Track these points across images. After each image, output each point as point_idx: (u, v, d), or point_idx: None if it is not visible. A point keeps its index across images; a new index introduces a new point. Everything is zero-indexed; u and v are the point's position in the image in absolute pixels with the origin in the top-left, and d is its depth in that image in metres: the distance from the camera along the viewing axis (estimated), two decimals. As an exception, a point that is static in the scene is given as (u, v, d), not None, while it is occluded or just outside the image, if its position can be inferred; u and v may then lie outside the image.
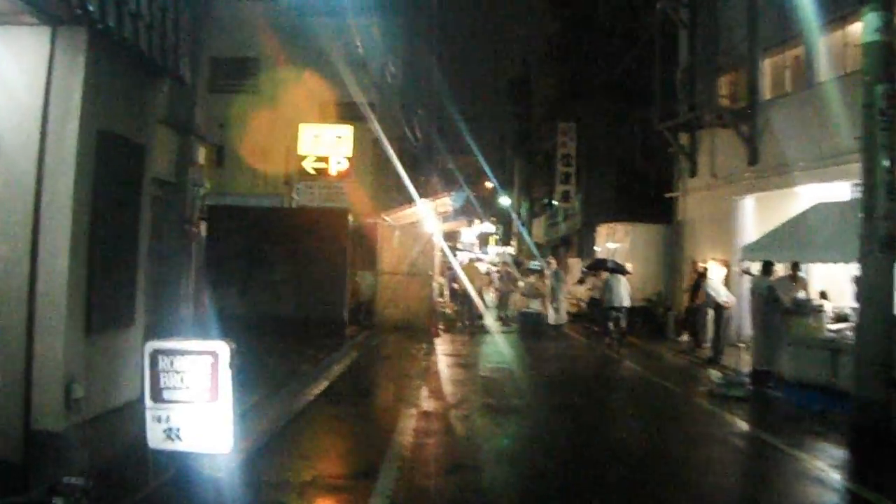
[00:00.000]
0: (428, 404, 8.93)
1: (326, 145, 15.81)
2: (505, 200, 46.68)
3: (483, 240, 66.74)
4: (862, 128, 7.70)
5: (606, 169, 26.94)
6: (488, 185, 56.33)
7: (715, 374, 10.47)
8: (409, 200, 20.30)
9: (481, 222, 65.94)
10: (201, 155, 13.84)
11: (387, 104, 24.42)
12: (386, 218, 19.39)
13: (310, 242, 14.50)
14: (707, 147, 17.91)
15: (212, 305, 14.48)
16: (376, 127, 20.81)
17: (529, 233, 39.27)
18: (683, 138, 18.84)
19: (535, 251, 32.05)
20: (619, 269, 16.57)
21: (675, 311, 17.81)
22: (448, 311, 19.51)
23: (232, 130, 23.71)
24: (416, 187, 23.51)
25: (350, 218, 14.25)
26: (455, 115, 42.99)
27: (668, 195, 19.58)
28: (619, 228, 20.28)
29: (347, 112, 24.14)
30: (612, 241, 21.00)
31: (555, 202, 30.43)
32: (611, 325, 15.52)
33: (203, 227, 14.39)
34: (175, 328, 13.67)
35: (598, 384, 11.69)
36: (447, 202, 19.71)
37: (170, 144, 13.40)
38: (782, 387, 10.25)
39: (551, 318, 18.01)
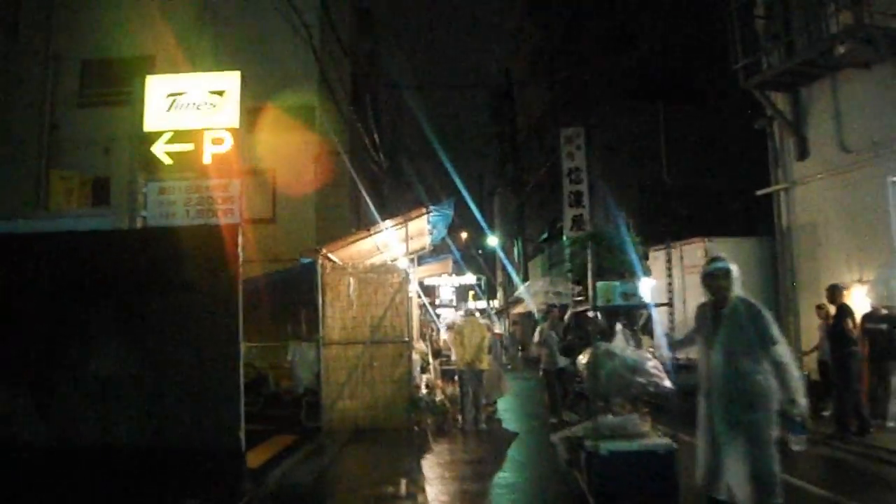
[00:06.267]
0: None
1: (193, 113, 8.33)
2: (493, 240, 39.49)
3: (461, 295, 59.21)
4: None
5: (636, 174, 20.49)
6: (463, 235, 49.83)
7: None
8: (368, 228, 13.38)
9: (460, 275, 58.52)
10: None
11: (333, 110, 17.82)
12: (331, 256, 12.37)
13: (169, 297, 7.40)
14: (826, 107, 11.49)
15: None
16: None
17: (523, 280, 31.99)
18: (778, 101, 12.40)
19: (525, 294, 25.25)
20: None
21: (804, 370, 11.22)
22: (439, 396, 12.31)
23: (119, 155, 17.09)
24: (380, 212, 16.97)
25: (240, 243, 7.16)
26: (430, 145, 36.42)
27: (759, 193, 12.87)
28: (688, 251, 13.14)
29: (281, 121, 17.81)
30: (671, 273, 14.00)
31: (566, 234, 23.17)
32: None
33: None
34: None
35: None
36: (424, 226, 12.77)
37: None
38: None
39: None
